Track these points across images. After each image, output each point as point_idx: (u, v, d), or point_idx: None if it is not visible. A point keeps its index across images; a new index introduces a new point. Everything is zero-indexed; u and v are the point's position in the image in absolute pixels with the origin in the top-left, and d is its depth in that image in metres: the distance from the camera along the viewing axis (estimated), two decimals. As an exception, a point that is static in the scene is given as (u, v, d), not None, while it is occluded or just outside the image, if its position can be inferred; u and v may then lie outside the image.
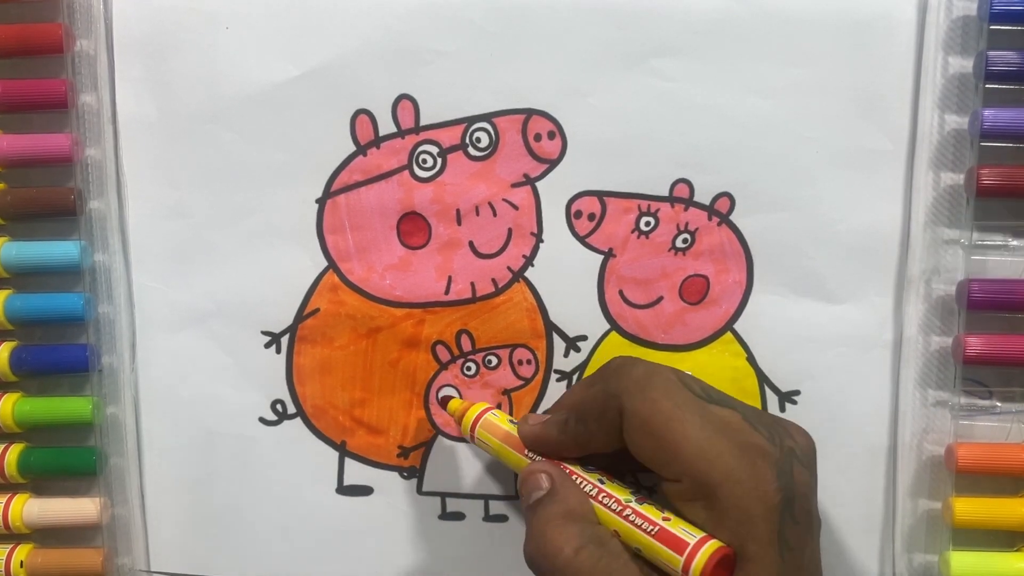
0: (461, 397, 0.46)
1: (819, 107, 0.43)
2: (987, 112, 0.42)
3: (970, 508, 0.44)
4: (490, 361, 0.46)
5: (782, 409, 0.46)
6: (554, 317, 0.46)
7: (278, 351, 0.46)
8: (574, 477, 0.38)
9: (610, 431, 0.36)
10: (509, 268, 0.46)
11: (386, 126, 0.45)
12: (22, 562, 0.46)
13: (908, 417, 0.45)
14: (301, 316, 0.46)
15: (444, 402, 0.46)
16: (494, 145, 0.45)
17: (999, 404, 0.45)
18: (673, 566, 0.34)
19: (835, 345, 0.45)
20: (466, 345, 0.46)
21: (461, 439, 0.47)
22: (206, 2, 0.44)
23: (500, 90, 0.44)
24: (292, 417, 0.47)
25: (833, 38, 0.43)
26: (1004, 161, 0.43)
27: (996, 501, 0.45)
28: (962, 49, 0.43)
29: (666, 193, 0.44)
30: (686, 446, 0.33)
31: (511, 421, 0.43)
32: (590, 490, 0.38)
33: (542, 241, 0.45)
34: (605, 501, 0.37)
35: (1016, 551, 0.45)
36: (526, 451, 0.41)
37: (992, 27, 0.42)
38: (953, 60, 0.43)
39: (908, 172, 0.44)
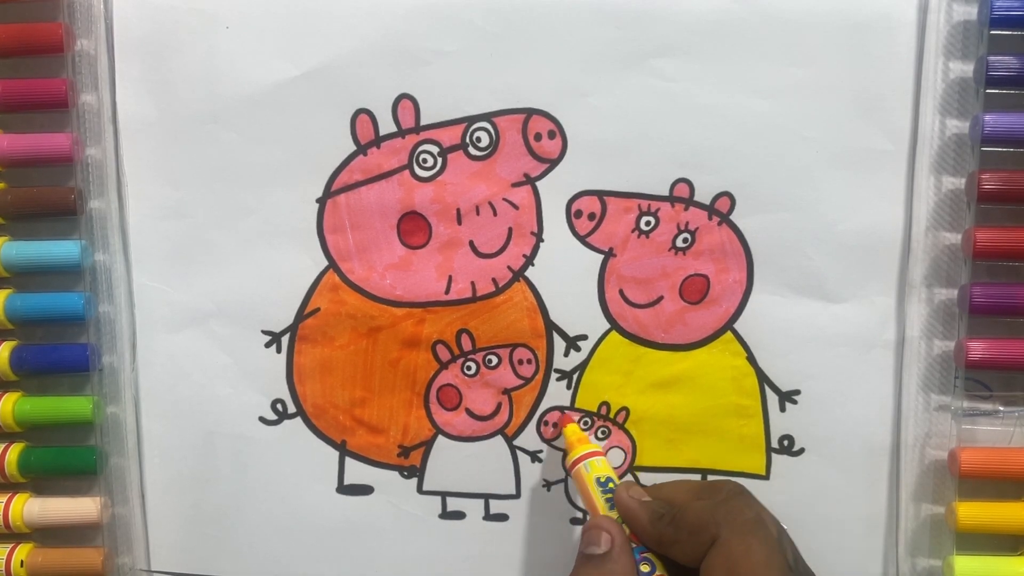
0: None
1: (819, 107, 0.43)
2: (988, 117, 0.42)
3: (973, 512, 0.44)
4: (490, 360, 0.46)
5: (782, 409, 0.46)
6: (554, 316, 0.46)
7: (278, 351, 0.46)
8: (633, 545, 0.39)
9: (695, 549, 0.36)
10: (509, 267, 0.45)
11: (386, 126, 0.44)
12: (22, 561, 0.46)
13: (910, 421, 0.45)
14: (301, 315, 0.46)
15: (562, 420, 0.46)
16: (494, 145, 0.45)
17: (1002, 408, 0.45)
18: None
19: (835, 345, 0.45)
20: (466, 344, 0.46)
21: (461, 438, 0.47)
22: (206, 2, 0.44)
23: (500, 90, 0.44)
24: (292, 417, 0.47)
25: (833, 39, 0.43)
26: (1005, 166, 0.43)
27: (1000, 505, 0.44)
28: (962, 54, 0.43)
29: (666, 193, 0.44)
30: None
31: (610, 479, 0.42)
32: (645, 570, 0.38)
33: (542, 241, 0.45)
34: None
35: (1020, 555, 0.45)
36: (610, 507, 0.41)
37: (992, 32, 0.42)
38: (954, 65, 0.43)
39: (909, 173, 0.44)
